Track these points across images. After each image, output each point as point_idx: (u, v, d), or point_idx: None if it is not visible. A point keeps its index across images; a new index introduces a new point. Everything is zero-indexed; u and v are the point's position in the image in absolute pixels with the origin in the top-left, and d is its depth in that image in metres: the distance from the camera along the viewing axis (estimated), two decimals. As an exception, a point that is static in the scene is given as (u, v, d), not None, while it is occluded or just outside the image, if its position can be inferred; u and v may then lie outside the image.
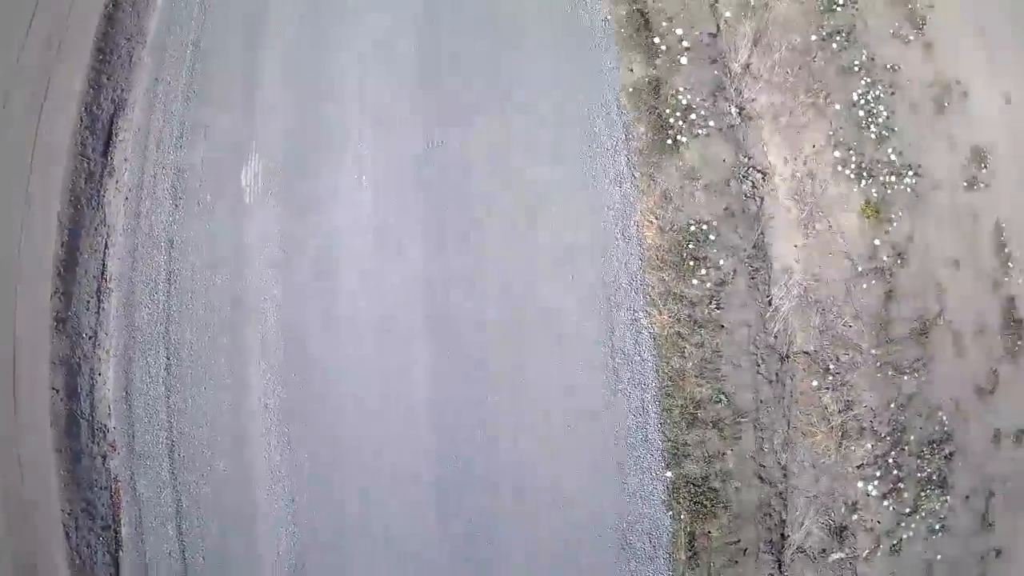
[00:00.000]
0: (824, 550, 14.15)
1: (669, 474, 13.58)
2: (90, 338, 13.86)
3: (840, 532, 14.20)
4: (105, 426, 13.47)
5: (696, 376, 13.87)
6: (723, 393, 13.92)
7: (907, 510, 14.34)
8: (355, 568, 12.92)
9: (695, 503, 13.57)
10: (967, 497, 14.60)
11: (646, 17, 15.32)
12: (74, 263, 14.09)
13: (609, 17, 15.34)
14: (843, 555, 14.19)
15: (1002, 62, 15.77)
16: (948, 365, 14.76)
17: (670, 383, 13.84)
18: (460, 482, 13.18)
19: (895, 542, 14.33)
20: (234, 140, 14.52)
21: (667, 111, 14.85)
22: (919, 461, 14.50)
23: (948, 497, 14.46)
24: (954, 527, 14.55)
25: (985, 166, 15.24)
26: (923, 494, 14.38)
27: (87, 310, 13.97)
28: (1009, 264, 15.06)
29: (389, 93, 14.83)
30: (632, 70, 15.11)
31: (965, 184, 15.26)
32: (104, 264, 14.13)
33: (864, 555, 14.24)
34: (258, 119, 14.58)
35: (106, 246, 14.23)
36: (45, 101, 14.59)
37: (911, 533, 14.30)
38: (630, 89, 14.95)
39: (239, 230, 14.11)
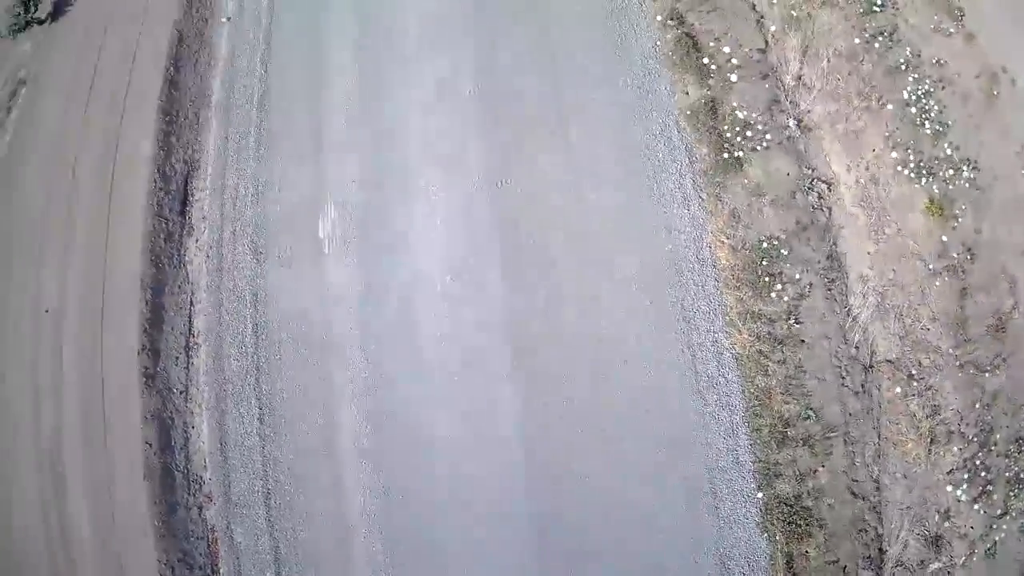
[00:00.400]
0: (922, 561, 12.81)
1: (760, 495, 12.33)
2: (181, 392, 13.19)
3: (936, 541, 12.91)
4: (201, 478, 12.77)
5: (782, 393, 12.58)
6: (811, 409, 12.63)
7: (998, 512, 12.99)
8: None
9: (789, 523, 12.31)
10: None
11: (694, 39, 14.22)
12: (160, 321, 13.41)
13: (659, 43, 14.39)
14: (941, 564, 12.85)
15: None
16: None
17: (757, 403, 12.60)
18: (555, 516, 12.20)
19: (989, 546, 12.96)
20: (308, 192, 13.88)
21: (725, 129, 13.68)
22: (1007, 460, 13.11)
23: None
24: None
25: None
26: (1012, 493, 13.02)
27: (176, 365, 13.29)
28: None
29: (453, 134, 14.03)
30: (687, 93, 14.04)
31: (1023, 172, 13.85)
32: (191, 320, 13.57)
33: (961, 562, 12.89)
34: (329, 170, 13.96)
35: (191, 303, 13.67)
36: (115, 165, 14.10)
37: (1003, 535, 12.96)
38: (687, 112, 13.85)
39: (321, 279, 13.44)
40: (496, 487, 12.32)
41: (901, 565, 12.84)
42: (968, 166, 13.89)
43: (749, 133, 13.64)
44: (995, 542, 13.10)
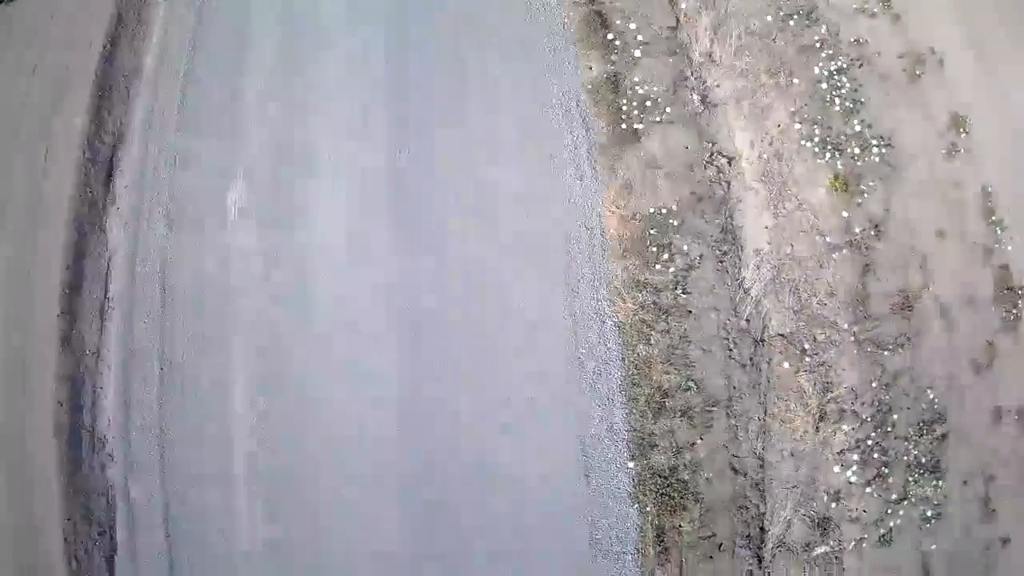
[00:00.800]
0: (808, 543, 12.63)
1: (632, 464, 12.32)
2: (93, 354, 13.44)
3: (823, 523, 12.67)
4: (105, 436, 13.03)
5: (663, 363, 12.58)
6: (692, 380, 12.61)
7: (894, 497, 12.81)
8: (328, 565, 12.27)
9: (662, 495, 12.25)
10: (964, 482, 12.99)
11: (603, 17, 14.34)
12: (79, 285, 13.71)
13: (567, 20, 14.53)
14: (828, 548, 12.63)
15: (980, 25, 14.36)
16: (937, 340, 13.28)
17: (636, 372, 12.63)
18: (428, 480, 12.43)
19: (884, 532, 12.74)
20: (221, 163, 14.25)
21: (624, 103, 13.78)
22: (907, 444, 12.96)
23: (941, 482, 12.91)
24: (951, 514, 12.95)
25: (966, 132, 13.83)
26: (912, 479, 12.83)
27: (91, 328, 13.59)
28: (999, 230, 13.57)
29: (360, 109, 14.38)
30: (591, 68, 14.14)
31: (944, 152, 13.81)
32: (107, 286, 13.89)
33: (851, 547, 12.67)
34: (242, 141, 14.33)
35: (108, 268, 14.00)
36: (50, 138, 14.48)
37: (899, 521, 12.74)
38: (589, 86, 14.00)
39: (226, 246, 13.80)
40: (374, 449, 12.55)
41: (784, 546, 12.64)
42: (881, 144, 13.86)
43: (648, 105, 13.84)
44: (891, 528, 12.86)
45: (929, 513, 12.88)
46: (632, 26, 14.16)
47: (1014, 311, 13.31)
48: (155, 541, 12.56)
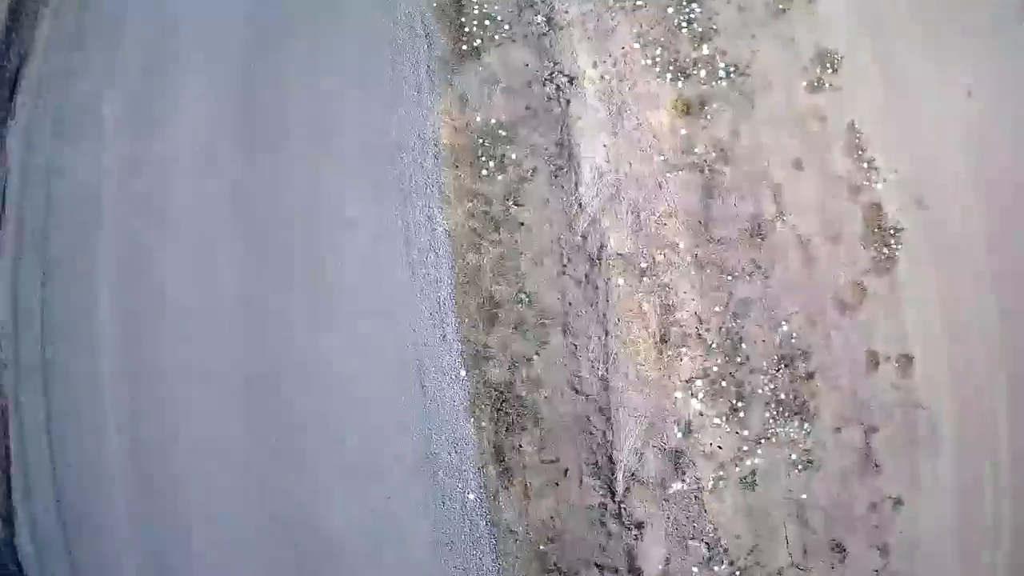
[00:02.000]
0: (663, 479, 14.65)
1: (464, 374, 14.75)
2: None
3: (676, 457, 14.67)
4: None
5: (494, 274, 14.98)
6: (524, 293, 14.94)
7: (751, 434, 14.80)
8: (178, 465, 15.74)
9: (498, 411, 14.50)
10: (837, 429, 15.12)
11: None
12: None
13: None
14: (684, 486, 14.67)
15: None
16: (795, 273, 15.45)
17: (466, 280, 15.08)
18: (267, 382, 15.43)
19: (745, 474, 14.74)
20: (99, 77, 17.67)
21: (464, 21, 16.45)
22: (763, 378, 15.03)
23: (808, 425, 15.02)
24: (825, 463, 15.05)
25: (834, 69, 16.24)
26: (771, 418, 14.83)
27: None
28: (867, 168, 15.83)
29: (221, 23, 17.61)
30: None
31: (806, 85, 16.24)
32: (4, 195, 17.46)
33: (710, 487, 14.72)
34: (118, 58, 17.73)
35: (5, 180, 17.58)
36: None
37: (759, 461, 14.76)
38: (435, 4, 16.72)
39: (99, 154, 17.12)
40: (215, 348, 15.80)
41: (637, 480, 14.78)
42: (734, 72, 16.43)
43: (489, 24, 16.40)
44: (752, 471, 15.03)
45: (795, 457, 14.99)
46: (482, -52, 16.57)
47: (885, 252, 15.66)
48: (39, 448, 16.41)
